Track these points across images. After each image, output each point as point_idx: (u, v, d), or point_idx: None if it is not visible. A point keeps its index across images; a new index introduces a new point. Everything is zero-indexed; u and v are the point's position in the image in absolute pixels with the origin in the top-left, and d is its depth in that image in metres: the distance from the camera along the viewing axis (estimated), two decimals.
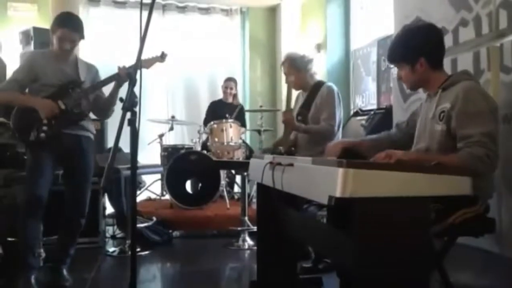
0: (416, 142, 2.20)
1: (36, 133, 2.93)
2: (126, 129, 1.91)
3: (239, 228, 4.24)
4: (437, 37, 2.15)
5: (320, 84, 3.59)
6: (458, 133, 1.93)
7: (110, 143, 4.96)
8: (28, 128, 2.96)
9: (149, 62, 3.13)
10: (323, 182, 1.57)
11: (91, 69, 3.24)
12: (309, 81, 3.59)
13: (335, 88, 3.57)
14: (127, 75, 2.81)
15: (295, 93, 3.71)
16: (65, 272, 3.09)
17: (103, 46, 6.51)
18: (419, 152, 2.12)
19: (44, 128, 2.94)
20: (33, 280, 2.92)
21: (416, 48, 2.10)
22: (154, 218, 4.52)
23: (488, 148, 1.84)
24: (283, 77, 3.76)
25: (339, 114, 3.50)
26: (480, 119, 1.89)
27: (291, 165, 1.91)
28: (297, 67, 3.53)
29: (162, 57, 3.19)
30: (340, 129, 3.58)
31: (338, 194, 1.46)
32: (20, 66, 3.07)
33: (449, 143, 1.97)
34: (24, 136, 2.98)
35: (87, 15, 6.59)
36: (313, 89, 3.55)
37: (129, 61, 2.08)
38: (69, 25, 3.02)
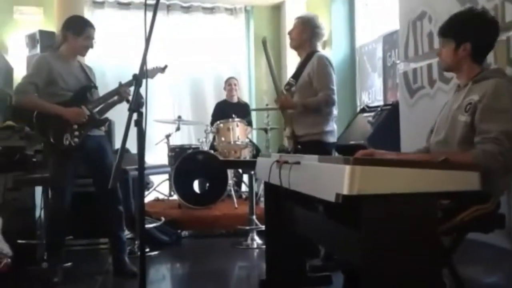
0: (436, 133, 2.16)
1: (70, 138, 3.00)
2: (133, 130, 1.92)
3: (247, 227, 4.24)
4: (493, 34, 2.09)
5: (313, 53, 3.39)
6: (478, 126, 1.89)
7: (117, 145, 4.98)
8: (60, 134, 3.03)
9: (152, 72, 3.42)
10: (330, 179, 1.57)
11: (92, 72, 3.37)
12: (306, 46, 3.41)
13: (325, 55, 3.44)
14: (127, 94, 3.11)
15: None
16: (127, 259, 3.27)
17: (108, 48, 6.53)
18: (424, 155, 2.09)
19: (76, 133, 3.06)
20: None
21: (469, 31, 2.05)
22: (163, 218, 4.53)
23: (503, 146, 1.81)
24: (289, 75, 3.69)
25: (334, 81, 3.32)
26: (503, 116, 1.86)
27: (298, 163, 1.91)
28: (305, 23, 3.39)
29: (164, 69, 3.50)
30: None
31: (345, 191, 1.45)
32: (36, 70, 3.09)
33: (471, 136, 1.92)
34: (57, 142, 3.04)
35: (92, 17, 6.60)
36: (306, 58, 3.40)
37: (135, 62, 2.09)
38: (92, 25, 3.21)
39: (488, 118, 1.88)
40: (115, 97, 3.23)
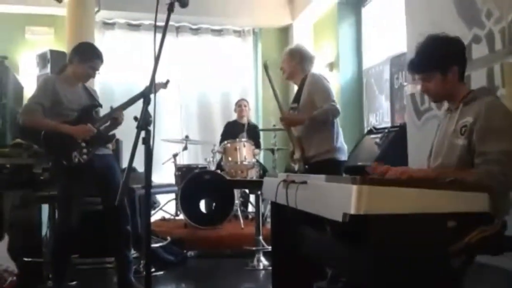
0: (434, 159, 2.16)
1: (79, 156, 3.03)
2: (141, 149, 1.93)
3: (253, 248, 4.21)
4: (464, 49, 2.12)
5: (306, 76, 3.48)
6: (477, 148, 1.90)
7: (125, 163, 5.00)
8: (68, 151, 3.06)
9: (155, 88, 3.35)
10: (337, 199, 1.56)
11: (96, 93, 3.45)
12: (299, 72, 3.50)
13: (317, 73, 3.54)
14: (121, 118, 3.17)
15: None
16: (133, 279, 3.24)
17: (118, 68, 6.62)
18: (434, 169, 2.09)
19: (85, 150, 3.09)
20: None
21: (450, 56, 2.06)
22: (169, 238, 4.51)
23: (505, 167, 1.81)
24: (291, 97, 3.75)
25: (332, 92, 3.41)
26: (501, 136, 1.86)
27: (305, 182, 1.90)
28: (291, 53, 3.52)
29: (166, 84, 3.52)
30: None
31: (352, 211, 1.45)
32: (42, 90, 3.14)
33: (470, 158, 1.93)
34: (66, 160, 3.06)
35: (102, 38, 6.72)
36: (302, 82, 3.49)
37: (144, 82, 2.12)
38: (101, 57, 3.25)
39: (486, 139, 1.87)
40: (108, 122, 3.27)
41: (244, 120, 6.14)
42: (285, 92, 7.27)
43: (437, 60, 2.06)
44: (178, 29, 7.15)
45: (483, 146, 1.88)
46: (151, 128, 1.89)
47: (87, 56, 3.20)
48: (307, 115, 3.34)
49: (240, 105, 6.17)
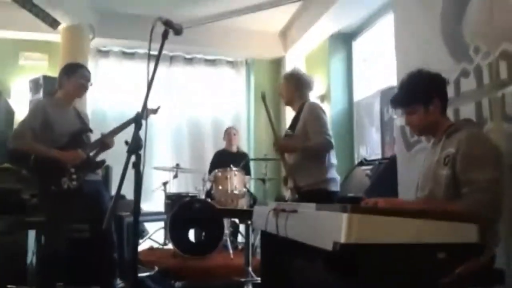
0: (421, 189, 2.19)
1: (68, 182, 3.00)
2: (131, 175, 1.92)
3: (242, 279, 4.13)
4: (444, 83, 2.20)
5: (303, 104, 3.49)
6: (463, 177, 1.92)
7: (114, 189, 4.96)
8: (58, 177, 3.02)
9: (147, 113, 3.38)
10: (328, 228, 1.55)
11: (87, 118, 3.43)
12: (296, 97, 3.52)
13: (315, 103, 3.56)
14: (112, 143, 3.19)
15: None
16: None
17: (112, 96, 6.64)
18: (425, 200, 2.10)
19: (74, 176, 3.07)
20: None
21: (430, 89, 2.13)
22: (156, 268, 4.43)
23: (493, 195, 1.83)
24: (287, 126, 3.76)
25: (328, 125, 3.39)
26: (485, 164, 1.89)
27: (295, 211, 1.90)
28: (288, 78, 3.54)
29: (157, 110, 3.58)
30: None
31: (343, 240, 1.44)
32: (33, 115, 3.13)
33: (454, 188, 1.95)
34: (56, 185, 3.03)
35: (96, 66, 6.76)
36: (299, 110, 3.49)
37: (136, 108, 2.14)
38: (86, 67, 3.32)
39: (470, 168, 1.90)
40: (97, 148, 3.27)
41: (234, 149, 6.14)
42: (277, 121, 7.33)
43: (419, 94, 2.14)
44: (172, 59, 7.23)
45: (469, 175, 1.90)
46: (141, 152, 1.89)
47: (72, 69, 3.24)
48: (300, 145, 3.35)
49: (229, 133, 6.17)
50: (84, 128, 3.28)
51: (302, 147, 3.32)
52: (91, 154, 3.22)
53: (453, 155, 1.97)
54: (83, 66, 3.34)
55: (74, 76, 3.20)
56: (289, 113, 3.87)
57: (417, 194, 2.22)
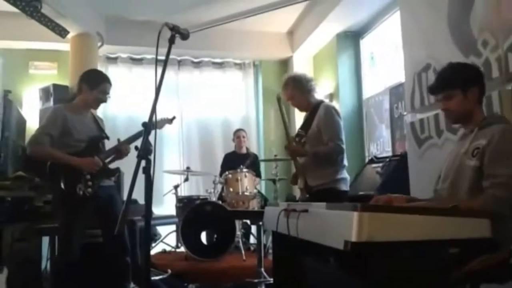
0: (442, 180, 2.16)
1: (84, 188, 3.02)
2: (141, 180, 1.93)
3: (255, 280, 4.14)
4: (483, 75, 2.20)
5: (319, 104, 3.44)
6: (487, 170, 1.90)
7: (126, 195, 4.99)
8: (73, 184, 3.04)
9: (160, 123, 3.47)
10: (339, 227, 1.55)
11: (103, 123, 3.44)
12: (311, 101, 3.47)
13: (331, 105, 3.49)
14: (126, 151, 3.17)
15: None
16: None
17: (121, 101, 6.68)
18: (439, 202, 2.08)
19: (90, 183, 3.08)
20: None
21: (471, 76, 2.14)
22: (169, 271, 4.45)
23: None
24: (297, 126, 3.73)
25: (342, 130, 3.33)
26: (511, 161, 1.87)
27: (306, 211, 1.89)
28: (300, 88, 3.43)
29: (171, 120, 3.55)
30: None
31: (354, 238, 1.43)
32: (52, 122, 3.12)
33: (480, 180, 1.93)
34: (71, 192, 3.05)
35: (106, 72, 6.78)
36: (313, 110, 3.43)
37: (146, 115, 2.14)
38: (109, 80, 3.29)
39: (497, 162, 1.88)
40: (113, 155, 3.26)
41: (243, 151, 6.14)
42: (288, 121, 7.33)
43: (459, 79, 2.13)
44: (180, 63, 7.26)
45: (493, 169, 1.88)
46: (151, 157, 1.90)
47: (95, 82, 3.22)
48: (311, 148, 3.32)
49: (238, 136, 6.18)
50: (101, 135, 3.29)
51: (313, 152, 3.29)
52: (106, 161, 3.23)
53: (484, 147, 1.95)
54: (106, 78, 3.28)
55: (96, 90, 3.20)
56: (299, 114, 3.83)
57: (437, 186, 2.19)
